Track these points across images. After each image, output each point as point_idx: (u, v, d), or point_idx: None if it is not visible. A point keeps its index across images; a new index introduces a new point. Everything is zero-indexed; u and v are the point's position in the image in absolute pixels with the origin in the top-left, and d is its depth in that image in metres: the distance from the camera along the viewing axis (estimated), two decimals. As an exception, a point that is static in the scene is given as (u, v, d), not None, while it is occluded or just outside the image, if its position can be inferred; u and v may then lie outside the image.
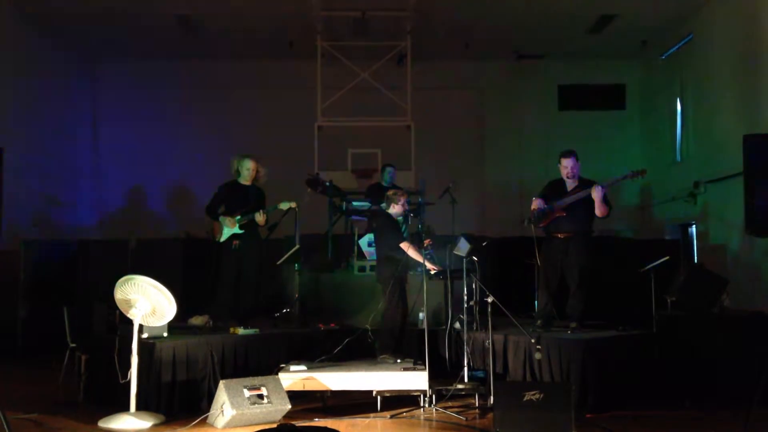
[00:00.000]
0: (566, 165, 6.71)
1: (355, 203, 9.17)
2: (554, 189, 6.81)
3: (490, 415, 5.54)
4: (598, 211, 6.51)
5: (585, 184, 6.64)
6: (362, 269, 8.16)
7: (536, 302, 7.19)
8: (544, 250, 6.74)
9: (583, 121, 12.62)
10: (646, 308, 6.61)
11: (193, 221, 7.91)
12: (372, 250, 8.14)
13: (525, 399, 5.17)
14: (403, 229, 7.41)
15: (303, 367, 6.05)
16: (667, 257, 6.78)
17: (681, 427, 5.42)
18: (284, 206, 7.20)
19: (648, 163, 12.21)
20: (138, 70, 12.33)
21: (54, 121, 11.44)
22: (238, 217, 7.05)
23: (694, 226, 10.63)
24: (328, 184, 8.84)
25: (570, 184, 6.73)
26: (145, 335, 5.75)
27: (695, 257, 10.25)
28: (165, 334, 5.94)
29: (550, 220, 6.67)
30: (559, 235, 6.66)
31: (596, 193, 6.44)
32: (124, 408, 5.41)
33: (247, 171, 7.19)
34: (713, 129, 9.92)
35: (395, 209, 6.92)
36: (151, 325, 5.72)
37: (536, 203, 6.72)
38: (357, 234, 8.66)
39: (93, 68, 12.46)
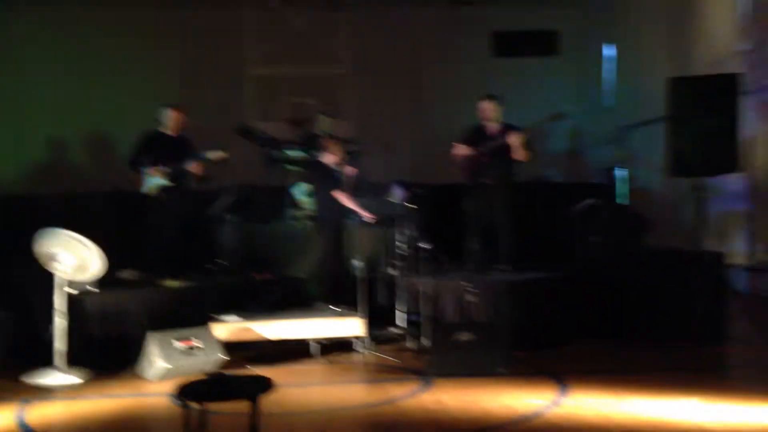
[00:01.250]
0: (484, 108, 6.79)
1: (289, 152, 9.05)
2: (477, 134, 6.87)
3: (424, 357, 5.66)
4: (519, 155, 6.60)
5: (506, 128, 6.71)
6: (297, 218, 8.11)
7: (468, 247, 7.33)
8: (472, 197, 6.84)
9: (518, 67, 12.63)
10: (573, 249, 6.81)
11: (119, 173, 7.68)
12: (307, 199, 8.10)
13: (458, 340, 5.32)
14: (338, 177, 7.38)
15: (237, 318, 6.02)
16: (593, 199, 6.97)
17: (605, 361, 5.67)
18: (212, 156, 7.04)
19: (579, 109, 12.42)
20: (58, 15, 11.68)
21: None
22: (164, 168, 6.88)
23: (620, 169, 10.92)
24: (261, 133, 8.69)
25: (492, 129, 6.80)
26: (71, 290, 5.61)
27: (620, 199, 10.56)
28: (93, 288, 5.81)
29: (475, 166, 6.74)
30: (485, 181, 6.75)
31: (513, 138, 6.53)
32: (52, 364, 5.31)
33: (171, 121, 6.99)
34: (642, 74, 10.12)
35: (330, 158, 6.88)
36: (77, 279, 5.58)
37: (460, 149, 6.79)
38: (292, 184, 8.58)
39: (10, 12, 11.77)
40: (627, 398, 4.50)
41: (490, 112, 6.76)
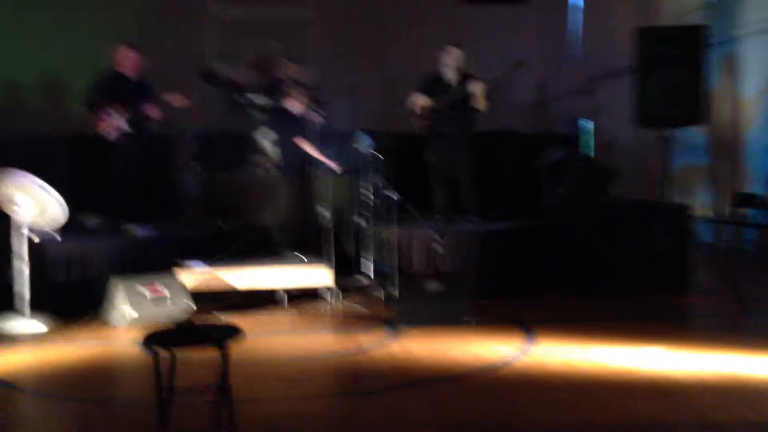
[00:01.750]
0: (446, 54, 6.64)
1: (253, 98, 8.84)
2: (435, 84, 6.76)
3: (392, 307, 5.68)
4: (480, 105, 6.55)
5: (466, 78, 6.63)
6: (262, 166, 7.97)
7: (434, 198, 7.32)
8: (432, 148, 6.76)
9: (486, 13, 12.48)
10: (540, 200, 6.84)
11: (77, 116, 7.42)
12: (271, 146, 7.95)
13: (426, 290, 5.34)
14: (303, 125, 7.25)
15: (205, 266, 5.94)
16: (559, 150, 6.99)
17: (571, 311, 5.77)
18: (173, 100, 6.82)
19: (546, 59, 12.37)
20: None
21: None
22: (124, 110, 6.64)
23: (587, 120, 10.97)
24: (224, 77, 8.44)
25: (451, 79, 6.71)
26: (32, 235, 5.46)
27: (587, 151, 10.64)
28: (56, 235, 5.66)
29: (434, 116, 6.65)
30: (444, 131, 6.68)
31: (477, 88, 6.46)
32: (15, 310, 5.19)
33: (128, 60, 6.73)
34: (609, 24, 10.09)
35: (294, 105, 6.73)
36: (37, 224, 5.42)
37: (418, 99, 6.67)
38: (256, 130, 8.41)
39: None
40: (593, 347, 4.60)
41: (452, 59, 6.65)
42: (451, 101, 6.56)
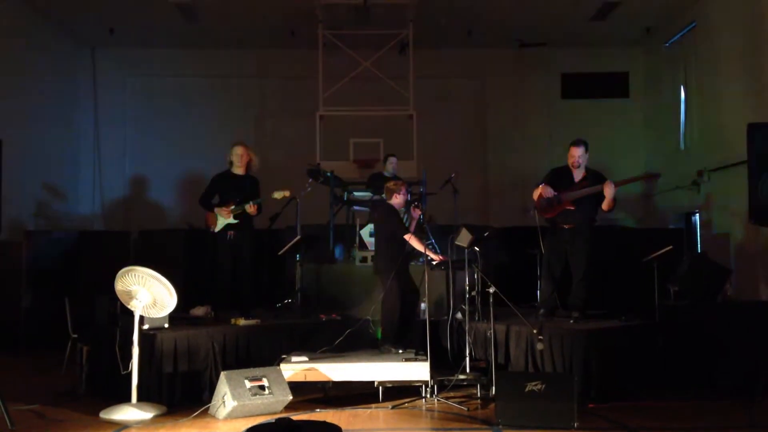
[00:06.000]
0: (573, 154, 6.65)
1: (356, 193, 9.13)
2: (560, 178, 6.73)
3: (491, 406, 5.52)
4: (607, 206, 6.46)
5: (593, 176, 6.58)
6: (364, 260, 8.12)
7: (539, 292, 7.18)
8: (548, 240, 6.70)
9: (586, 109, 12.53)
10: (649, 298, 6.57)
11: (194, 212, 7.90)
12: (373, 239, 8.10)
13: (527, 390, 5.16)
14: (404, 220, 7.38)
15: (304, 358, 6.04)
16: (670, 247, 6.74)
17: (683, 419, 5.39)
18: (277, 195, 7.15)
19: (651, 152, 12.17)
20: (138, 59, 12.26)
21: (54, 111, 11.40)
22: (233, 207, 7.01)
23: (697, 214, 10.59)
24: (329, 174, 8.80)
25: (577, 175, 6.67)
26: (146, 326, 5.75)
27: (698, 246, 10.21)
28: (166, 325, 5.94)
29: (558, 212, 6.59)
30: (564, 226, 6.61)
31: (609, 190, 6.37)
32: (126, 399, 5.42)
33: (237, 157, 7.14)
34: (717, 117, 9.85)
35: (396, 200, 6.88)
36: (152, 316, 5.71)
37: (544, 190, 6.63)
38: (359, 224, 8.63)
39: (93, 57, 12.38)
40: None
41: (578, 157, 6.65)
42: (577, 199, 6.52)
